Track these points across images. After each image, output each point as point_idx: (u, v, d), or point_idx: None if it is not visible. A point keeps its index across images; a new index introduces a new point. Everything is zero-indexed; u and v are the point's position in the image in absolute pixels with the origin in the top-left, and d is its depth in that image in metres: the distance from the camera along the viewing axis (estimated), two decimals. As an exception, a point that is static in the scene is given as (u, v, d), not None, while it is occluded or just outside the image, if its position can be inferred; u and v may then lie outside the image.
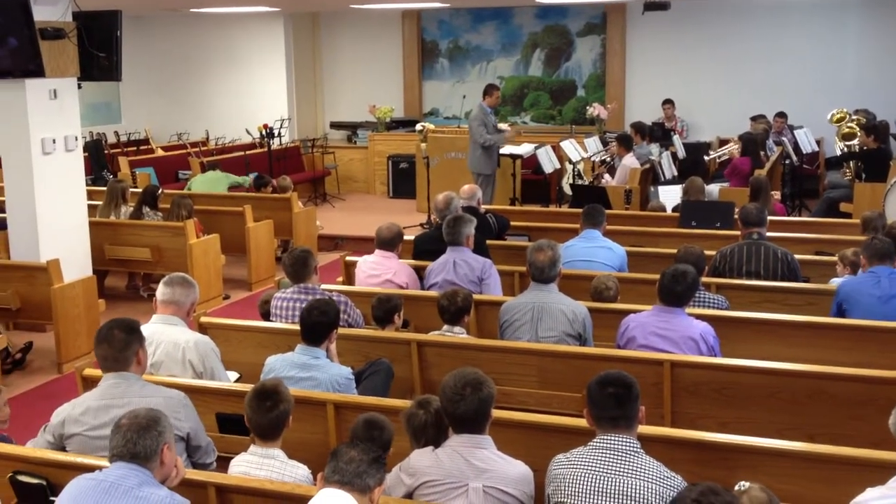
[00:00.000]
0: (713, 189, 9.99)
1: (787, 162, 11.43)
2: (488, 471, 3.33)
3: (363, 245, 10.38)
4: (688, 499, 2.55)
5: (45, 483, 3.73)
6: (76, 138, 7.78)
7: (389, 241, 6.33)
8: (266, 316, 5.65)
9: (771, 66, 13.91)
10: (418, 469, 3.40)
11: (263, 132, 13.64)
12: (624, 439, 3.25)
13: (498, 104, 11.59)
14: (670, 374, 4.72)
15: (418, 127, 13.40)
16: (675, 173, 11.12)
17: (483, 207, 7.90)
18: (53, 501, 3.18)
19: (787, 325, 5.43)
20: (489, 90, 10.94)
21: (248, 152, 13.58)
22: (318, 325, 4.48)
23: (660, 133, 12.78)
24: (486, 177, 10.78)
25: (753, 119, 12.54)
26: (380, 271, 6.32)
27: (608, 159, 11.44)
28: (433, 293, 5.80)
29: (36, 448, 3.92)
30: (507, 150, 11.14)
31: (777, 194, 9.75)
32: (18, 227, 7.57)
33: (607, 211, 7.27)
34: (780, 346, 5.27)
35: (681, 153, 11.86)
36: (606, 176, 11.04)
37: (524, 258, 5.39)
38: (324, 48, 16.49)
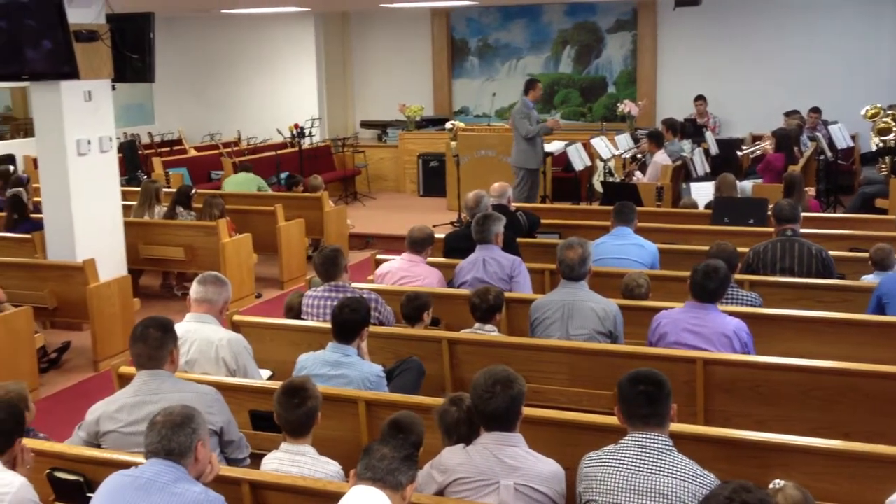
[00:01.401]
0: (746, 185, 9.90)
1: (821, 158, 11.29)
2: (519, 468, 3.33)
3: (393, 244, 10.41)
4: (720, 496, 2.53)
5: (82, 479, 3.79)
6: (110, 139, 7.87)
7: (420, 242, 6.32)
8: (293, 321, 5.67)
9: (805, 61, 13.76)
10: (450, 466, 3.41)
11: (294, 132, 13.72)
12: (655, 437, 3.23)
13: (540, 98, 11.54)
14: (703, 372, 4.69)
15: (448, 125, 13.41)
16: (708, 170, 11.03)
17: (513, 205, 7.88)
18: (90, 498, 3.21)
19: (821, 322, 5.38)
20: (531, 85, 10.91)
21: (279, 152, 13.67)
22: (349, 323, 4.51)
23: (692, 129, 12.68)
24: (530, 171, 10.73)
25: (787, 115, 12.41)
26: (407, 279, 6.27)
27: (639, 156, 11.37)
28: (463, 291, 5.81)
29: (73, 445, 3.98)
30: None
31: (811, 190, 9.64)
32: (55, 228, 7.67)
33: (638, 208, 7.23)
34: (815, 344, 5.22)
35: (713, 149, 11.77)
36: (638, 173, 10.97)
37: (554, 256, 5.38)
38: (354, 47, 16.55)
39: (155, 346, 3.93)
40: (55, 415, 6.19)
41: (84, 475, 3.79)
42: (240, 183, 11.36)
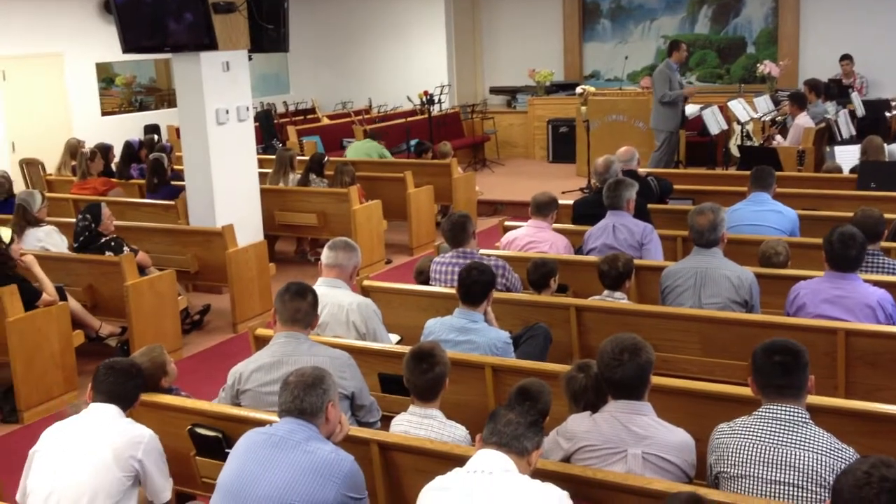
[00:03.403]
0: (895, 149, 9.36)
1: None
2: (648, 437, 3.27)
3: (522, 210, 10.35)
4: (858, 471, 2.41)
5: (220, 435, 3.96)
6: (247, 109, 8.10)
7: (545, 206, 6.26)
8: (423, 285, 5.74)
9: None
10: (576, 433, 3.38)
11: (424, 99, 13.81)
12: (791, 409, 3.11)
13: (684, 60, 11.23)
14: (844, 343, 4.50)
15: (578, 90, 13.20)
16: (853, 132, 10.50)
17: (644, 170, 7.71)
18: (228, 453, 3.35)
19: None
20: (675, 46, 10.70)
21: (408, 119, 13.79)
22: (476, 284, 4.50)
23: (836, 90, 12.06)
24: (668, 134, 10.55)
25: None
26: (534, 245, 6.24)
27: (780, 119, 10.93)
28: (592, 258, 5.73)
29: (213, 403, 4.15)
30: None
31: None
32: (196, 195, 7.97)
33: (778, 173, 6.97)
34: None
35: (860, 111, 11.20)
36: (778, 136, 10.57)
37: (687, 223, 5.24)
38: (483, 13, 16.47)
39: (295, 308, 4.04)
40: (198, 374, 6.48)
41: (223, 431, 3.95)
42: (361, 150, 11.51)
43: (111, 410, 3.59)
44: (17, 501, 3.57)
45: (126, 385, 3.66)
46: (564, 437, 3.42)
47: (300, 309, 4.05)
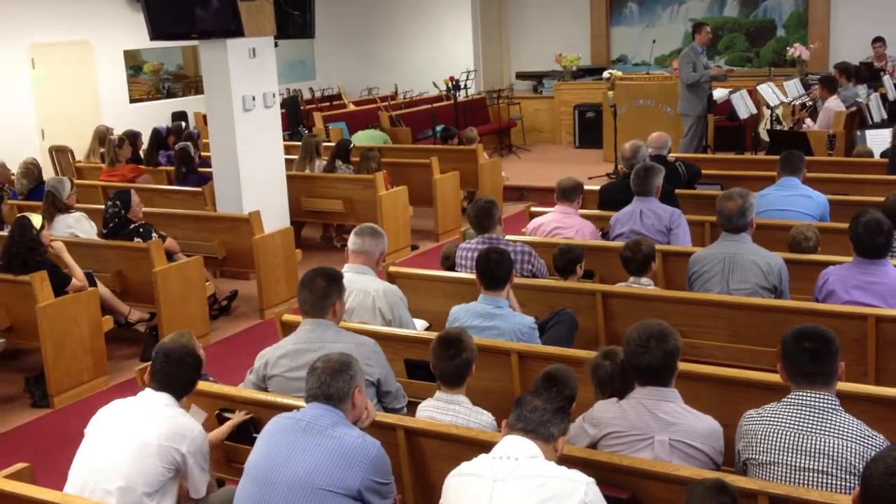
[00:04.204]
0: (927, 132, 9.23)
1: None
2: (675, 424, 3.25)
3: (548, 196, 10.28)
4: (888, 458, 2.39)
5: (249, 420, 3.99)
6: (274, 95, 8.12)
7: (570, 190, 6.23)
8: (449, 270, 5.74)
9: None
10: (602, 420, 3.37)
11: (450, 84, 13.77)
12: (821, 396, 3.09)
13: (709, 42, 11.09)
14: (875, 330, 4.44)
15: (605, 74, 13.12)
16: (885, 116, 10.37)
17: (673, 156, 7.66)
18: (255, 437, 3.37)
19: None
20: (698, 28, 10.57)
21: (434, 105, 13.76)
22: (498, 267, 4.48)
23: (867, 74, 11.90)
24: (695, 119, 10.46)
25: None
26: (560, 231, 6.21)
27: (810, 103, 10.81)
28: (618, 244, 5.70)
29: (241, 388, 4.18)
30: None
31: None
32: (223, 181, 8.01)
33: (808, 157, 6.89)
34: None
35: (891, 94, 11.06)
36: (808, 120, 10.45)
37: (715, 208, 5.20)
38: (509, -2, 16.40)
39: (320, 294, 4.05)
40: (225, 359, 6.52)
41: (251, 416, 3.98)
42: (366, 138, 11.54)
43: (163, 399, 3.58)
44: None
45: (179, 373, 3.64)
46: (591, 424, 3.41)
47: (306, 301, 4.07)
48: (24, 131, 12.35)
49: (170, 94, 14.86)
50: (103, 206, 7.50)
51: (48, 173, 10.12)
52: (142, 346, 6.72)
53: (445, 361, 3.68)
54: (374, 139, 11.47)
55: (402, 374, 4.50)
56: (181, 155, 9.20)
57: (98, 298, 6.35)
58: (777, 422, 3.10)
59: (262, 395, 4.04)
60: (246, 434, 3.97)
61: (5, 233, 6.61)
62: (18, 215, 6.33)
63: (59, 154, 11.61)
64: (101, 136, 10.66)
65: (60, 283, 6.11)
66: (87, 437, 3.58)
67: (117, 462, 3.43)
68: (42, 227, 6.18)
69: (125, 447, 3.45)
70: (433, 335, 4.08)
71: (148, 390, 3.63)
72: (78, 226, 7.24)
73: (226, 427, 4.00)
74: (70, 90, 13.14)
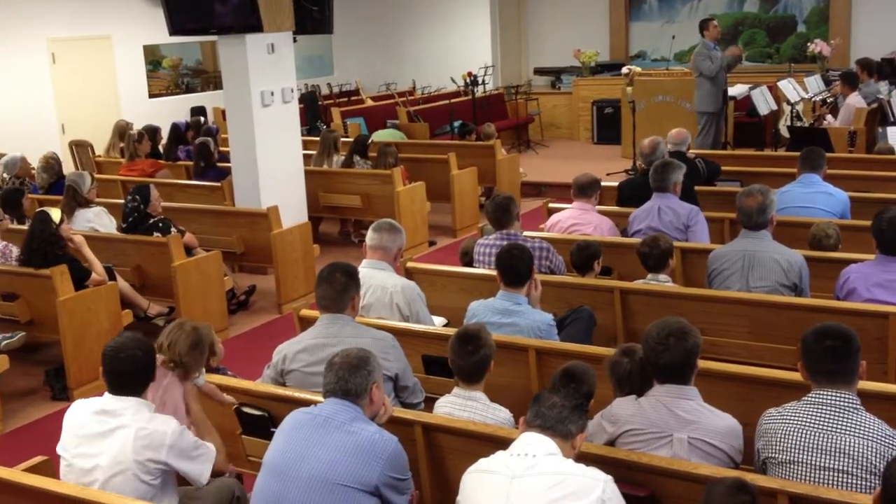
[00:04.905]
0: (951, 129, 9.14)
1: None
2: (694, 422, 3.24)
3: (566, 192, 10.23)
4: (911, 459, 2.38)
5: (266, 415, 4.00)
6: (292, 90, 8.13)
7: (587, 186, 6.20)
8: (468, 266, 5.73)
9: None
10: (621, 417, 3.36)
11: (468, 80, 13.75)
12: (842, 395, 3.06)
13: (719, 36, 10.98)
14: (896, 328, 4.40)
15: (624, 70, 13.06)
16: (907, 113, 10.25)
17: (692, 152, 7.61)
18: (273, 432, 3.38)
19: None
20: (705, 25, 10.48)
21: (452, 101, 13.74)
22: (519, 264, 4.47)
23: (889, 70, 11.78)
24: (709, 115, 10.37)
25: None
26: (578, 227, 6.19)
27: (830, 99, 10.72)
28: (636, 240, 5.67)
29: (259, 383, 4.19)
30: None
31: None
32: (242, 176, 8.03)
33: (829, 154, 6.84)
34: None
35: (914, 91, 10.91)
36: (829, 117, 10.37)
37: (735, 205, 5.17)
38: (528, -7, 16.35)
39: (339, 289, 4.05)
40: (244, 353, 6.54)
41: (269, 411, 3.99)
42: (384, 138, 11.51)
43: (128, 406, 3.38)
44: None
45: (136, 370, 3.41)
46: (609, 421, 3.40)
47: (326, 296, 4.07)
48: (45, 126, 12.43)
49: (188, 90, 14.92)
50: (123, 201, 7.55)
51: (68, 168, 10.19)
52: (161, 341, 6.75)
53: (464, 358, 3.68)
54: (393, 138, 11.47)
55: (420, 370, 4.50)
56: (201, 149, 9.23)
57: (118, 292, 6.38)
58: (797, 421, 3.08)
59: (280, 390, 4.04)
60: (264, 429, 3.98)
61: (26, 227, 6.65)
62: (38, 210, 6.36)
63: (79, 149, 11.68)
64: (121, 130, 10.71)
65: (80, 277, 6.14)
66: (63, 462, 3.44)
67: (104, 484, 3.33)
68: (61, 221, 6.21)
69: (105, 471, 3.34)
70: (451, 331, 4.08)
71: (107, 397, 3.42)
72: (98, 220, 7.28)
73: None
74: (90, 85, 13.22)
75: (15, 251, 6.37)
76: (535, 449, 2.86)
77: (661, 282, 5.12)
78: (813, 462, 3.02)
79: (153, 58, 14.28)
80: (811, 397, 3.12)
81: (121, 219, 7.24)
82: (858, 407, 3.06)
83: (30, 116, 12.21)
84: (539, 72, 16.19)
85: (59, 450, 3.48)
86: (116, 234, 7.23)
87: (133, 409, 3.40)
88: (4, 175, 8.84)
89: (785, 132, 11.05)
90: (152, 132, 10.37)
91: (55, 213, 6.22)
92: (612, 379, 3.55)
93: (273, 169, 7.98)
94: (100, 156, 11.10)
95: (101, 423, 3.39)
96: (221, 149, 9.85)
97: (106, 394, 3.45)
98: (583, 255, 5.34)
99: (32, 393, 6.23)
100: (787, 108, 11.13)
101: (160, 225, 7.06)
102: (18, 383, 6.32)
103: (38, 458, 3.56)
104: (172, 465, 3.39)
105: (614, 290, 5.15)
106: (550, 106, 15.23)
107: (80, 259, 6.26)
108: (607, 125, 14.04)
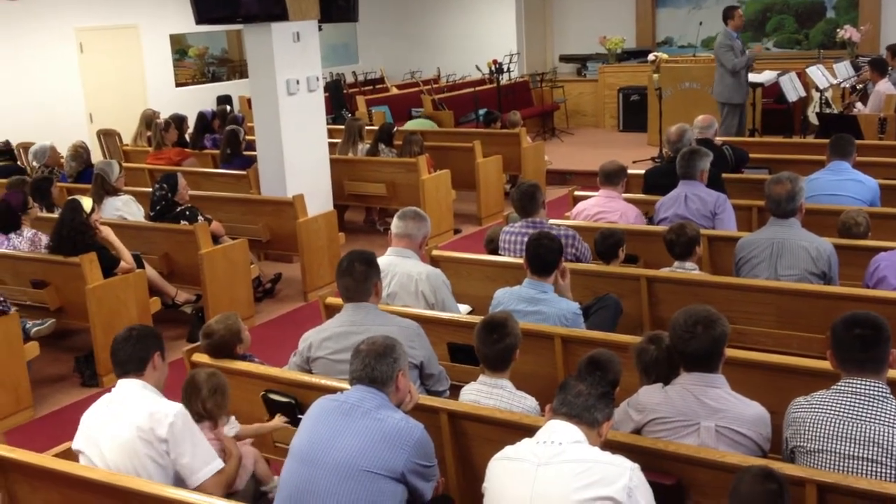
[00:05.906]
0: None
1: None
2: (721, 410, 3.22)
3: (592, 180, 10.20)
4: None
5: (293, 402, 4.02)
6: (317, 79, 8.14)
7: (614, 174, 6.17)
8: (493, 253, 5.72)
9: None
10: (647, 405, 3.35)
11: (493, 68, 13.71)
12: (871, 383, 3.04)
13: (742, 26, 10.83)
14: (927, 317, 4.35)
15: (651, 57, 12.95)
16: (939, 99, 10.10)
17: (719, 139, 7.55)
18: (300, 419, 3.40)
19: None
20: (729, 13, 10.28)
21: (477, 88, 13.71)
22: (548, 254, 4.46)
23: (920, 56, 11.62)
24: (734, 106, 10.20)
25: None
26: (604, 215, 6.16)
27: (860, 86, 10.59)
28: (663, 228, 5.64)
29: (286, 370, 4.22)
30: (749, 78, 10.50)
31: None
32: (268, 165, 8.06)
33: (858, 141, 6.77)
34: None
35: (945, 77, 10.74)
36: (858, 104, 10.25)
37: (763, 192, 5.12)
38: (553, -20, 16.26)
39: (360, 279, 4.07)
40: (270, 341, 6.58)
41: (295, 398, 4.02)
42: (417, 125, 11.52)
43: (134, 386, 3.53)
44: None
45: (136, 348, 3.58)
46: (635, 409, 3.39)
47: (349, 287, 4.08)
48: (73, 115, 12.54)
49: (214, 78, 14.99)
50: (150, 189, 7.60)
51: (96, 156, 10.28)
52: (188, 328, 6.81)
53: (489, 345, 3.68)
54: (423, 127, 11.46)
55: (445, 358, 4.50)
56: (230, 136, 9.27)
57: (146, 280, 6.44)
58: (826, 409, 3.06)
59: (306, 377, 4.06)
60: (291, 415, 4.01)
61: (55, 215, 6.71)
62: (69, 198, 6.42)
63: (107, 137, 11.77)
64: (148, 119, 10.78)
65: (109, 264, 6.20)
66: (82, 455, 3.52)
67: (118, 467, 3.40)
68: (92, 210, 6.27)
69: (112, 451, 3.42)
70: (476, 319, 4.08)
71: (113, 389, 3.58)
72: (126, 208, 7.35)
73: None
74: (117, 74, 13.31)
75: (44, 239, 6.44)
76: (561, 437, 2.86)
77: (688, 269, 5.09)
78: (842, 451, 3.00)
79: (179, 47, 14.36)
80: (840, 386, 3.09)
81: (148, 207, 7.30)
82: (888, 396, 3.03)
83: (58, 106, 12.32)
84: (564, 59, 16.11)
85: (73, 446, 3.56)
86: (144, 222, 7.29)
87: (137, 390, 3.53)
88: (34, 164, 8.94)
89: (814, 119, 10.93)
90: (179, 121, 10.43)
91: (86, 202, 6.28)
92: (638, 367, 3.54)
93: (298, 157, 8.00)
94: (127, 144, 11.19)
95: (108, 410, 3.53)
96: (247, 137, 9.89)
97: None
98: (607, 244, 5.32)
99: (62, 379, 6.30)
100: (815, 95, 11.00)
101: (187, 213, 7.11)
102: (48, 370, 6.40)
103: (67, 444, 3.62)
104: (171, 445, 3.39)
105: (640, 278, 5.13)
106: (576, 93, 15.15)
107: (109, 247, 6.32)
108: (633, 112, 13.95)
